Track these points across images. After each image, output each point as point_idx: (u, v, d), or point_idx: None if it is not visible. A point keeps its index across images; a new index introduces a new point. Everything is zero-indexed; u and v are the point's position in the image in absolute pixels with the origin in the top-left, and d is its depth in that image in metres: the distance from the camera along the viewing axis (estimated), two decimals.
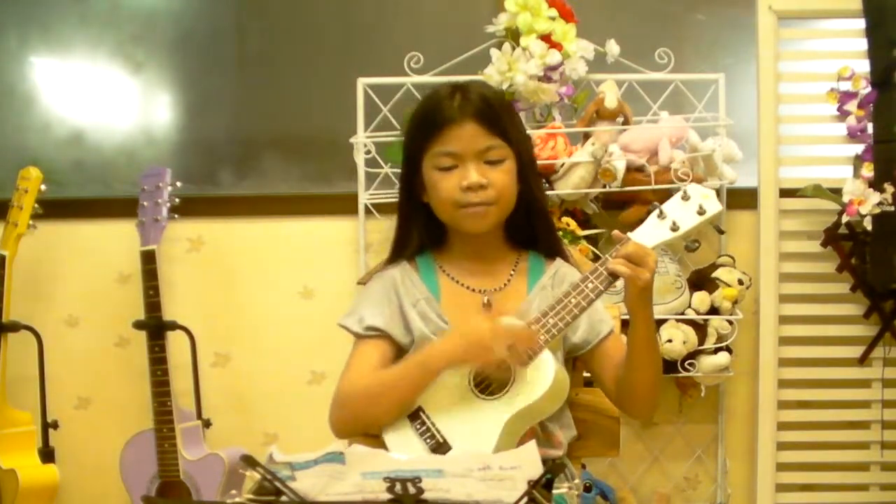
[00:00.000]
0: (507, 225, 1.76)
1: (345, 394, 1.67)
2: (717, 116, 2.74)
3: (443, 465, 1.18)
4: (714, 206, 1.59)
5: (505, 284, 1.75)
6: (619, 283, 1.62)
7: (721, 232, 2.36)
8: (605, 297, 2.40)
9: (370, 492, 1.19)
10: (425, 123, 1.71)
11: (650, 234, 1.60)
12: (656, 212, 1.61)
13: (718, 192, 2.75)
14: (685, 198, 1.60)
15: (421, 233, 1.78)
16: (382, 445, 1.61)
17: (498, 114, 1.69)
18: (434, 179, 1.70)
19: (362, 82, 2.75)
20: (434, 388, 1.61)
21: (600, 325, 1.74)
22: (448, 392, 1.60)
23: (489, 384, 1.60)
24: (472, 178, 1.66)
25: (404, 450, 1.57)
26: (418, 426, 1.60)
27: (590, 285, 1.59)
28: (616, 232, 1.63)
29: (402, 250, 1.79)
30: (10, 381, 2.64)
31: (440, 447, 1.57)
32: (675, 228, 1.59)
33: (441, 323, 1.71)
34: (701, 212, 1.59)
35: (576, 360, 1.80)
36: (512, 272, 1.76)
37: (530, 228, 1.78)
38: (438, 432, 1.58)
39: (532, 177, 1.74)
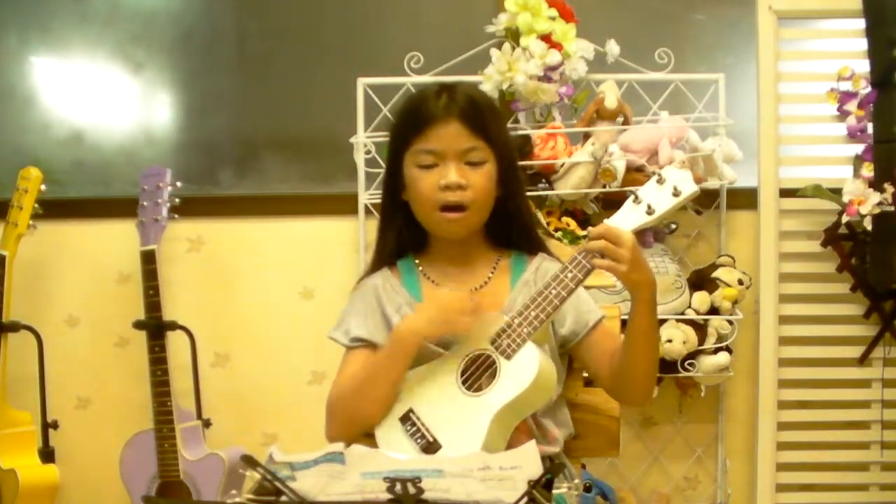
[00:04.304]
0: (487, 226, 1.76)
1: (333, 398, 1.69)
2: (717, 116, 2.74)
3: (443, 465, 1.18)
4: (689, 187, 1.58)
5: (485, 283, 1.75)
6: (616, 282, 1.61)
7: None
8: (605, 297, 2.42)
9: (370, 492, 1.19)
10: (409, 120, 1.71)
11: (626, 219, 1.59)
12: (632, 197, 1.60)
13: (718, 192, 2.76)
14: (660, 181, 1.59)
15: (401, 232, 1.78)
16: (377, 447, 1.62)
17: (483, 115, 1.69)
18: (414, 177, 1.70)
19: (362, 82, 2.75)
20: (423, 388, 1.62)
21: (588, 315, 1.73)
22: (437, 392, 1.61)
23: (477, 381, 1.61)
24: (451, 178, 1.66)
25: (396, 451, 1.57)
26: (409, 427, 1.61)
27: (569, 275, 1.59)
28: (590, 229, 1.63)
29: (383, 250, 1.80)
30: (10, 381, 2.64)
31: (430, 446, 1.58)
32: (650, 212, 1.58)
33: None
34: (676, 193, 1.58)
35: (571, 360, 1.81)
36: (492, 271, 1.76)
37: (510, 230, 1.78)
38: (428, 431, 1.59)
39: (513, 181, 1.74)
